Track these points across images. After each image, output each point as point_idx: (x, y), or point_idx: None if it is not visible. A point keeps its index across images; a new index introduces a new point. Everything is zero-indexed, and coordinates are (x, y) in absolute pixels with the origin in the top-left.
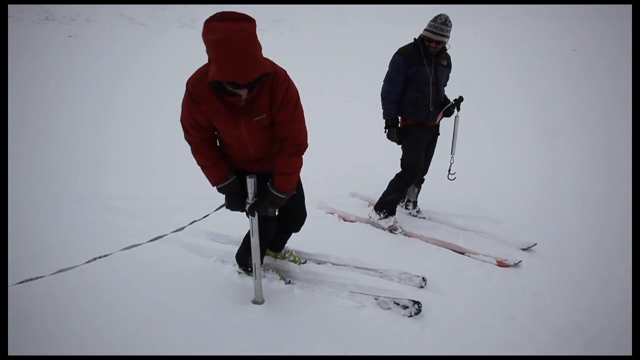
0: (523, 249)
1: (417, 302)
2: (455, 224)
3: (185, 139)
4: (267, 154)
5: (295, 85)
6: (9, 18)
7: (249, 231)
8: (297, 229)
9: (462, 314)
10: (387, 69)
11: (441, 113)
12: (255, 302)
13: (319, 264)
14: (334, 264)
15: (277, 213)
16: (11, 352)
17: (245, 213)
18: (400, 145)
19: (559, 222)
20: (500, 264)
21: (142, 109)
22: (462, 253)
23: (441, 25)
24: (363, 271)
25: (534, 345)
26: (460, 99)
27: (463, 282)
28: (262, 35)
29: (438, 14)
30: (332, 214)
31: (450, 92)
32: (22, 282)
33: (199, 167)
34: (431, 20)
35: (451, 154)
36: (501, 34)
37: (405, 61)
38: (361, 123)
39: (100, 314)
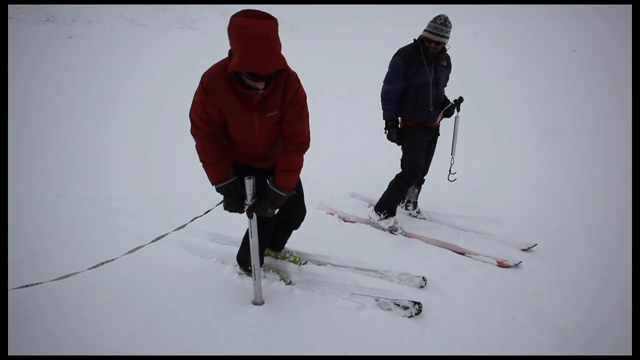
0: (523, 250)
1: (418, 303)
2: (456, 224)
3: (192, 132)
4: (272, 150)
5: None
6: (9, 19)
7: (247, 230)
8: (296, 226)
9: (463, 314)
10: (387, 69)
11: (441, 114)
12: (255, 302)
13: (319, 264)
14: (334, 265)
15: (276, 212)
16: (11, 352)
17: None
18: (400, 146)
19: (559, 222)
20: (501, 264)
21: (142, 110)
22: (463, 254)
23: (441, 25)
24: (363, 272)
25: (534, 345)
26: (460, 99)
27: (463, 282)
28: None
29: (438, 14)
30: (332, 214)
31: (450, 92)
32: (23, 286)
33: (201, 164)
34: (431, 21)
35: (451, 154)
36: (501, 34)
37: (405, 62)
38: (361, 123)
39: (100, 314)
